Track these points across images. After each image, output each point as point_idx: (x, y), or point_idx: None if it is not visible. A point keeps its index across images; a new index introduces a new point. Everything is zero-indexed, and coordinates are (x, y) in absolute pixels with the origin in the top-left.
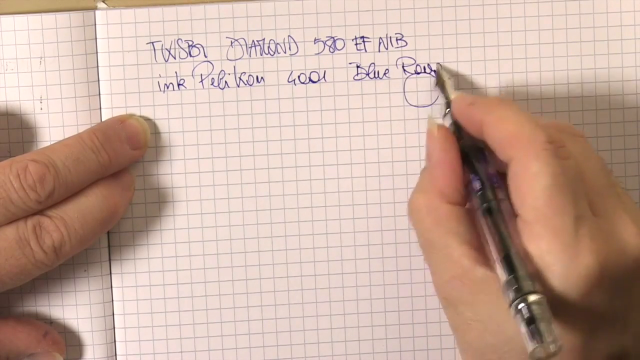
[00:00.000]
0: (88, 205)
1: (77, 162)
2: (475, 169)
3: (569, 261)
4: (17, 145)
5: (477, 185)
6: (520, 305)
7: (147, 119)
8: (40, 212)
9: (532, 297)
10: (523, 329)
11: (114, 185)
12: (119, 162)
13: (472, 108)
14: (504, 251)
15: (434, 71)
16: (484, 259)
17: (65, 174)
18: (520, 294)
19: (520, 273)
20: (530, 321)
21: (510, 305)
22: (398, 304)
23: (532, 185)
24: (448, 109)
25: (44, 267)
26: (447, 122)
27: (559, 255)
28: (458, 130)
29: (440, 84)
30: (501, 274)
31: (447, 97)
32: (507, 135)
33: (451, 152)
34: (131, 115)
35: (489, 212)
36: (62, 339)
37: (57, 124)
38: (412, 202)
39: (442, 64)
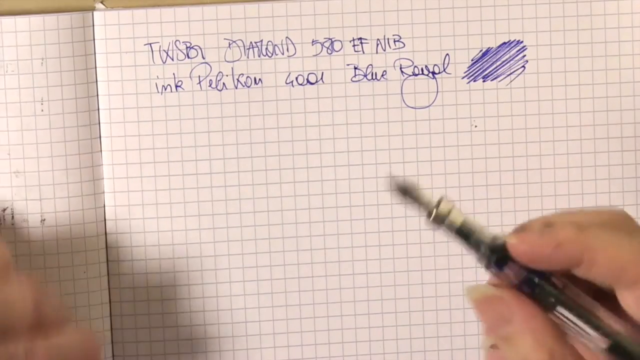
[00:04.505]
0: None
1: None
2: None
3: None
4: (17, 147)
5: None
6: None
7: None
8: None
9: None
10: None
11: None
12: None
13: (582, 237)
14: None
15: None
16: None
17: None
18: None
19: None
20: None
21: None
22: (409, 304)
23: None
24: (432, 214)
25: None
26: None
27: None
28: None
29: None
30: None
31: (424, 203)
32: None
33: (538, 313)
34: None
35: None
36: None
37: (58, 125)
38: None
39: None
